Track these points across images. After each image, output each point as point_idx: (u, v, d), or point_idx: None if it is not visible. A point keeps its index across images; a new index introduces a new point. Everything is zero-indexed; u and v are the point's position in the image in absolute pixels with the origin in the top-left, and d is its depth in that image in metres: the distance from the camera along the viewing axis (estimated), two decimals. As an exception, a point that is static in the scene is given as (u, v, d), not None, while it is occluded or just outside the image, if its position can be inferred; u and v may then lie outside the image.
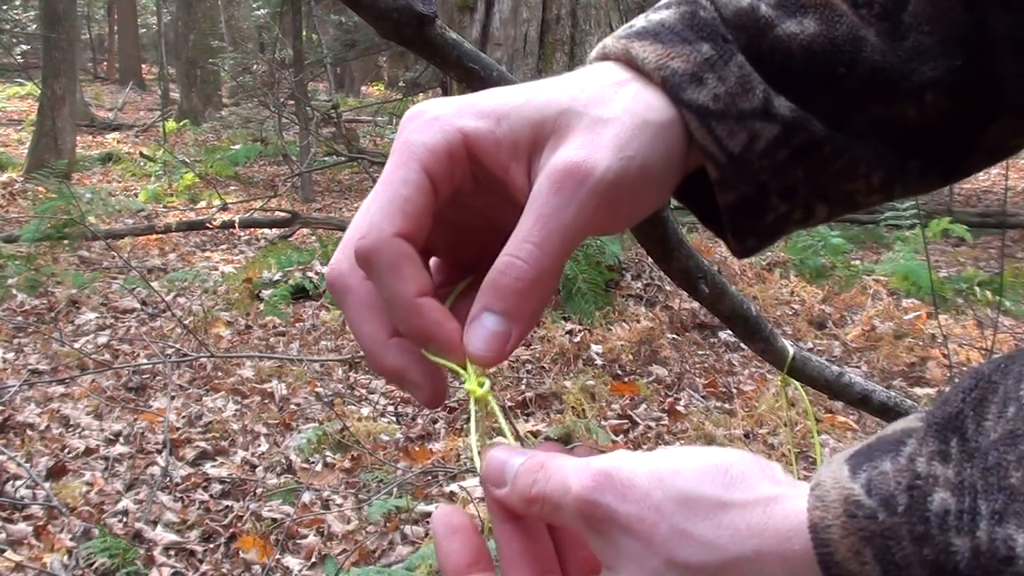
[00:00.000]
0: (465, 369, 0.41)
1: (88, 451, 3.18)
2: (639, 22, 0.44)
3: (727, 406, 3.61)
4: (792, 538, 0.32)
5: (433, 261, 0.46)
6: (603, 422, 3.42)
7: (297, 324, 4.56)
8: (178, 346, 4.16)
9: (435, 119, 0.41)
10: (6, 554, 2.47)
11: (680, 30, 0.42)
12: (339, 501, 2.90)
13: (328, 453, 3.20)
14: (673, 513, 0.34)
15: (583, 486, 0.36)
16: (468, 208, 0.43)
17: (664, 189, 0.42)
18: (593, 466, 0.36)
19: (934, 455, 0.31)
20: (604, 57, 0.44)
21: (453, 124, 0.40)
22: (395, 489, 2.85)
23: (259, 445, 3.30)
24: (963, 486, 0.30)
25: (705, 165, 0.42)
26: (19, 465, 2.95)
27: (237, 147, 11.02)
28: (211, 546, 2.65)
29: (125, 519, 2.75)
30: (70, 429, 3.38)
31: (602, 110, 0.40)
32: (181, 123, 13.92)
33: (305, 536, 2.69)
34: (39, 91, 10.34)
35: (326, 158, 9.71)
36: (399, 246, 0.39)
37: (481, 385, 0.41)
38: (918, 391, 3.71)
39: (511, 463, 0.39)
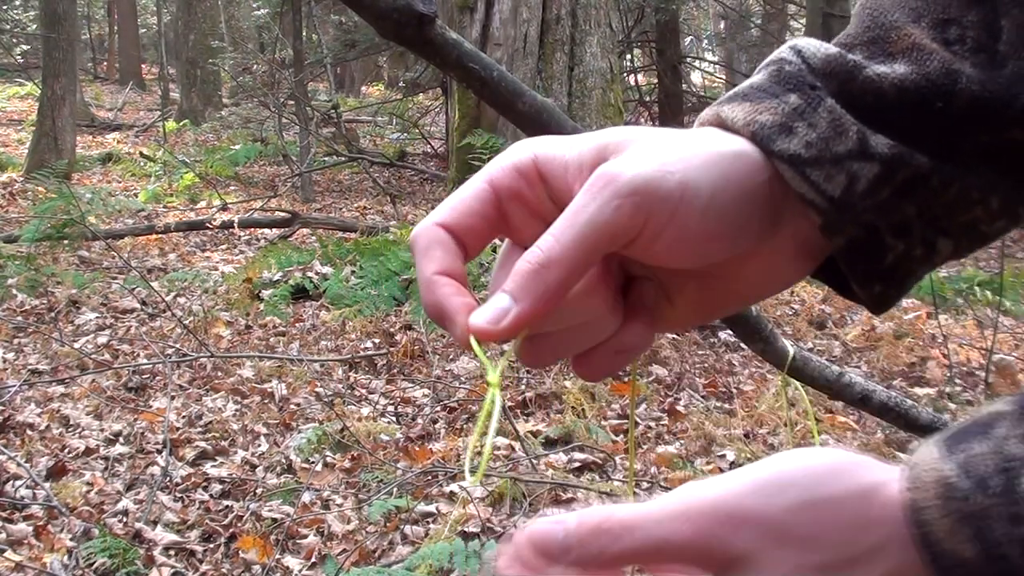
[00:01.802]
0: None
1: (88, 451, 3.18)
2: (731, 91, 0.45)
3: (727, 406, 3.61)
4: (904, 520, 0.34)
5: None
6: (603, 422, 3.42)
7: (297, 324, 4.56)
8: (178, 346, 4.16)
9: (516, 145, 0.44)
10: (6, 554, 2.47)
11: (767, 87, 0.43)
12: (339, 501, 2.90)
13: (328, 453, 3.20)
14: (793, 525, 0.35)
15: (688, 533, 0.36)
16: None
17: (733, 226, 0.41)
18: (682, 509, 0.36)
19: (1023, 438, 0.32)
20: (700, 123, 0.45)
21: (528, 147, 0.44)
22: (395, 489, 2.85)
23: (259, 445, 3.30)
24: None
25: (808, 214, 0.42)
26: (19, 465, 2.95)
27: (237, 147, 11.02)
28: (211, 546, 2.65)
29: (125, 519, 2.75)
30: (70, 429, 3.38)
31: (670, 141, 0.42)
32: (181, 123, 13.92)
33: (305, 536, 2.69)
34: (39, 91, 10.34)
35: (326, 158, 9.71)
36: (434, 232, 0.44)
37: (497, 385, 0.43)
38: (918, 391, 3.71)
39: (552, 539, 0.37)
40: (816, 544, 0.35)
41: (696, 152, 0.41)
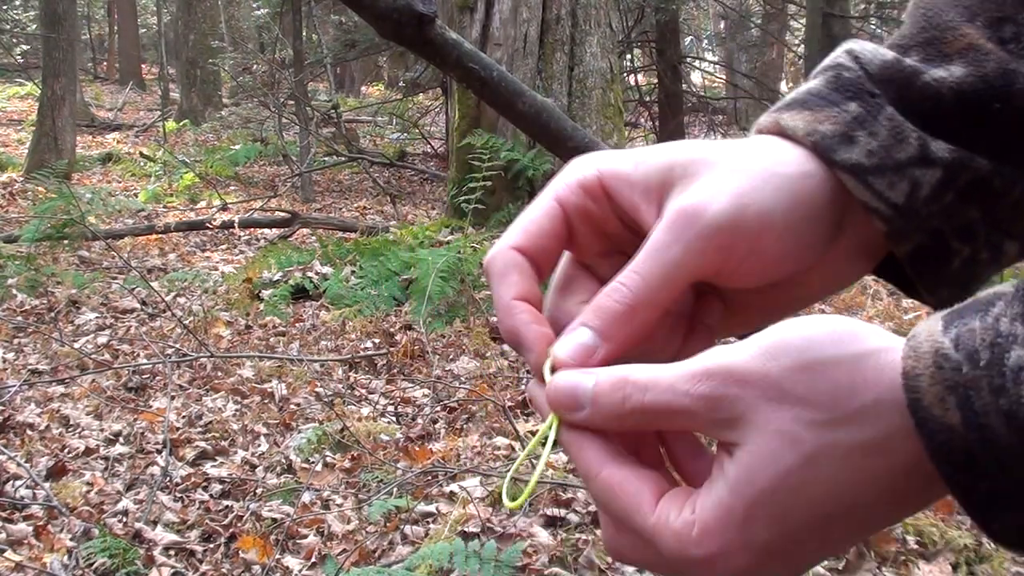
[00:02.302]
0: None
1: (88, 451, 3.18)
2: (789, 96, 0.46)
3: (727, 406, 3.61)
4: (896, 385, 0.35)
5: None
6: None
7: (297, 324, 4.56)
8: (178, 346, 4.16)
9: (580, 161, 0.46)
10: (6, 554, 2.47)
11: (826, 94, 0.44)
12: (339, 501, 2.90)
13: (328, 453, 3.20)
14: (790, 385, 0.37)
15: (699, 388, 0.38)
16: (620, 242, 0.46)
17: (798, 246, 0.43)
18: (697, 367, 0.38)
19: (1017, 316, 0.34)
20: (759, 131, 0.46)
21: (592, 163, 0.45)
22: (395, 489, 2.85)
23: (259, 445, 3.30)
24: None
25: (871, 221, 0.43)
26: (19, 465, 2.95)
27: (237, 147, 11.02)
28: (211, 546, 2.65)
29: (125, 519, 2.75)
30: (70, 429, 3.38)
31: (734, 161, 0.42)
32: (181, 123, 13.92)
33: (305, 536, 2.69)
34: (39, 91, 10.34)
35: (326, 158, 9.71)
36: (510, 256, 0.44)
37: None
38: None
39: (583, 386, 0.40)
40: (810, 403, 0.36)
41: (766, 175, 0.42)
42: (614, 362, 0.41)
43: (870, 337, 0.38)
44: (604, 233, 0.46)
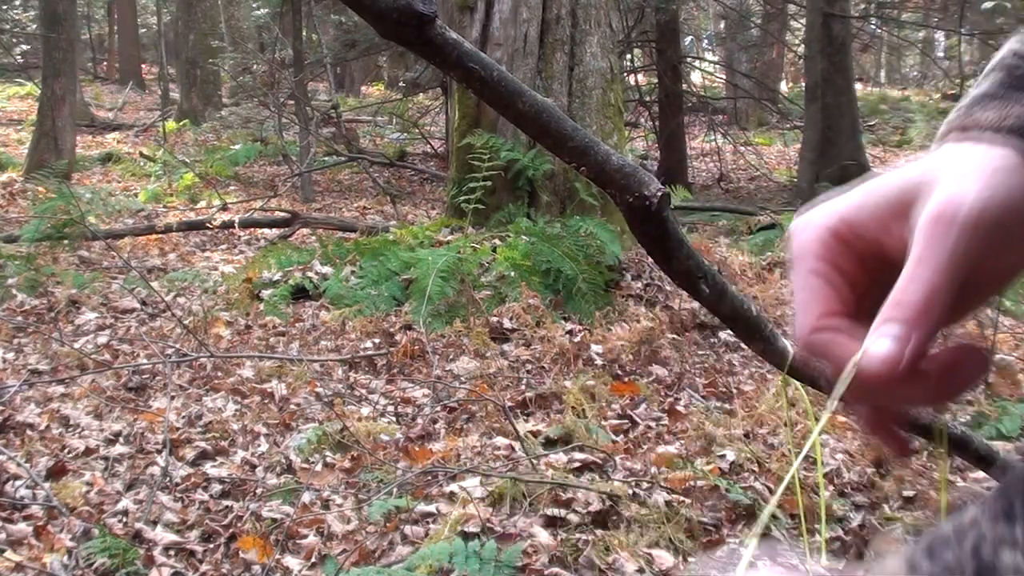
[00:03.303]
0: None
1: (88, 451, 3.18)
2: (962, 102, 0.48)
3: (727, 406, 3.61)
4: None
5: None
6: (603, 422, 3.42)
7: (297, 324, 4.56)
8: (178, 346, 4.16)
9: (810, 221, 0.47)
10: (6, 554, 2.47)
11: (1003, 93, 0.46)
12: (339, 501, 2.90)
13: (328, 453, 3.20)
14: None
15: None
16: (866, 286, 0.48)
17: None
18: None
19: (1002, 542, 0.33)
20: (943, 137, 0.48)
21: (829, 212, 0.47)
22: (395, 489, 2.85)
23: (259, 445, 3.30)
24: None
25: None
26: (19, 465, 2.95)
27: (237, 147, 11.02)
28: (211, 546, 2.65)
29: (125, 519, 2.75)
30: (70, 429, 3.38)
31: (955, 168, 0.44)
32: (181, 123, 13.92)
33: (305, 536, 2.69)
34: (39, 91, 10.34)
35: (326, 158, 9.71)
36: (822, 332, 0.46)
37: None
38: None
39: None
40: None
41: (990, 171, 0.44)
42: (921, 355, 0.43)
43: None
44: (855, 279, 0.47)
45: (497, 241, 5.00)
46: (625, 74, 11.16)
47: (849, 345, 0.44)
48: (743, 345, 3.63)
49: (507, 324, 4.32)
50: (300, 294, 4.95)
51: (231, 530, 2.71)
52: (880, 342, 0.42)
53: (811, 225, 0.47)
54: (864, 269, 0.46)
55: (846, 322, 0.46)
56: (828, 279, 0.46)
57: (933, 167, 0.45)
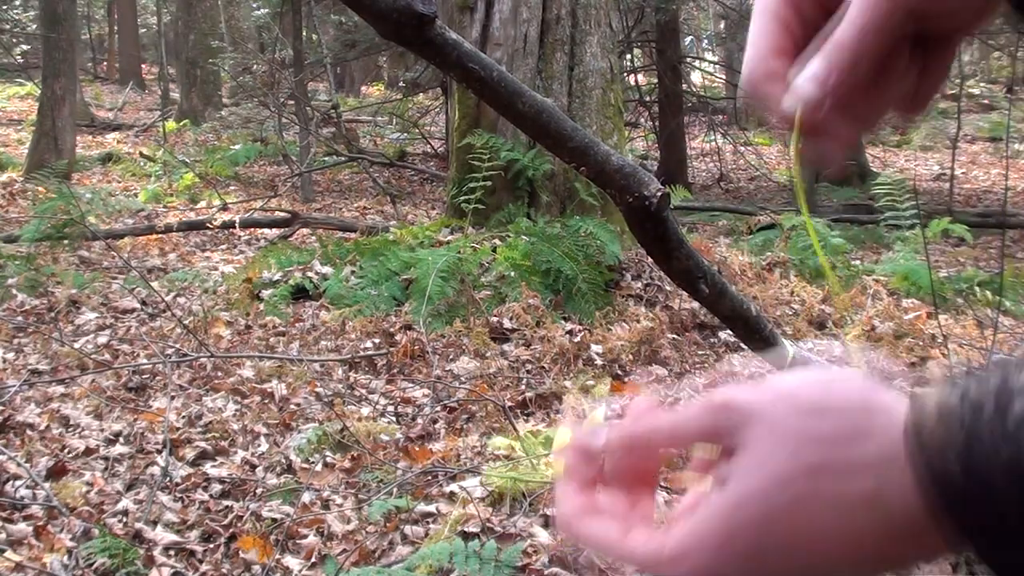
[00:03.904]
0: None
1: (88, 451, 3.18)
2: None
3: (727, 406, 3.61)
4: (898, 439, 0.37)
5: None
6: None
7: (297, 324, 4.56)
8: (178, 346, 4.16)
9: None
10: (6, 554, 2.47)
11: None
12: (339, 501, 2.90)
13: (328, 453, 3.20)
14: (794, 426, 0.39)
15: (713, 414, 0.42)
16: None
17: None
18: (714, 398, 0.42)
19: None
20: None
21: None
22: (395, 489, 2.85)
23: (259, 445, 3.30)
24: None
25: None
26: (19, 465, 2.95)
27: (237, 147, 11.02)
28: (211, 546, 2.65)
29: (125, 519, 2.75)
30: (70, 429, 3.37)
31: None
32: (181, 123, 13.92)
33: (305, 536, 2.69)
34: (39, 91, 10.34)
35: (326, 158, 9.70)
36: (764, 82, 0.48)
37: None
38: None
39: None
40: (814, 445, 0.37)
41: None
42: (843, 89, 0.45)
43: (884, 394, 0.39)
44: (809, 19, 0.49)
45: (497, 241, 4.99)
46: (625, 74, 11.16)
47: (779, 88, 0.47)
48: (743, 345, 3.63)
49: (507, 324, 4.32)
50: (300, 294, 4.95)
51: (231, 530, 2.71)
52: (803, 82, 0.46)
53: None
54: (824, 8, 0.48)
55: (784, 64, 0.48)
56: (781, 15, 0.48)
57: None
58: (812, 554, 0.37)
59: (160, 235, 6.74)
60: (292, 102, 9.46)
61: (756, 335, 1.14)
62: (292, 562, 2.55)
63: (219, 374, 3.91)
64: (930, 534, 0.35)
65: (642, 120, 12.44)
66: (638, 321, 4.33)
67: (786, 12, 0.49)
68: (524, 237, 4.92)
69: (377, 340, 4.28)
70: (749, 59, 0.50)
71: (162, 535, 2.65)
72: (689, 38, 18.18)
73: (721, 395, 0.41)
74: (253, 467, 3.14)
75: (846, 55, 0.45)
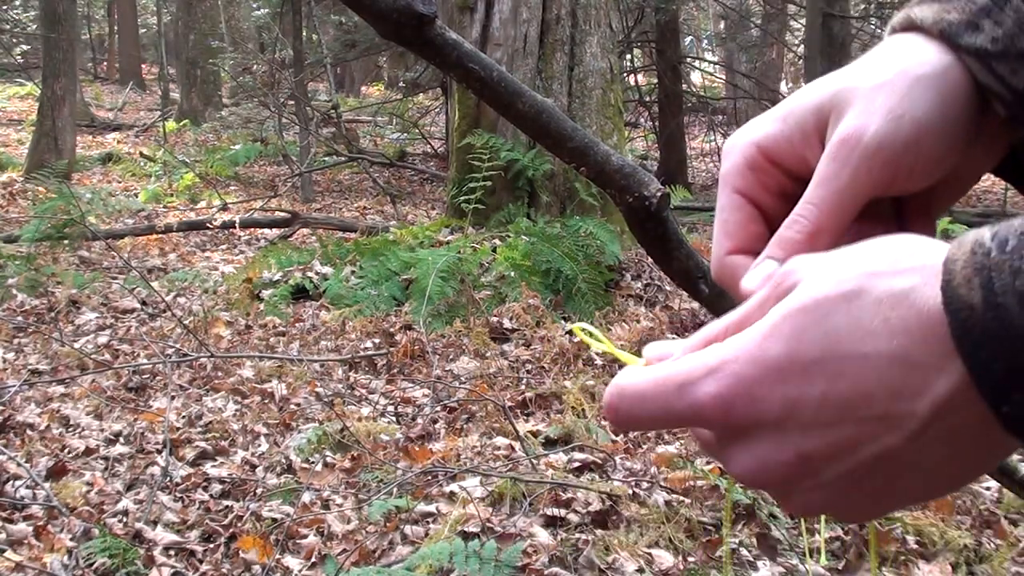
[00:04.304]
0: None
1: (88, 451, 3.18)
2: None
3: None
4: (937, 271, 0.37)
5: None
6: (603, 422, 3.42)
7: (297, 324, 4.56)
8: (178, 346, 4.16)
9: (732, 146, 0.49)
10: (6, 554, 2.47)
11: None
12: (339, 501, 2.90)
13: (328, 453, 3.20)
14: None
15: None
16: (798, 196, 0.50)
17: (952, 139, 0.46)
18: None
19: None
20: (892, 30, 0.49)
21: (745, 141, 0.49)
22: (395, 489, 2.85)
23: (259, 445, 3.30)
24: None
25: (994, 106, 0.45)
26: (19, 465, 2.95)
27: (237, 147, 11.02)
28: (211, 546, 2.65)
29: (125, 519, 2.75)
30: (70, 429, 3.38)
31: (877, 78, 0.45)
32: (181, 123, 13.92)
33: (305, 536, 2.69)
34: (39, 91, 10.34)
35: (326, 158, 9.70)
36: (729, 263, 0.49)
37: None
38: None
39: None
40: (859, 261, 0.38)
41: (910, 82, 0.44)
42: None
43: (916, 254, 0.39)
44: (784, 195, 0.49)
45: (497, 241, 4.99)
46: (625, 74, 11.16)
47: (736, 281, 0.47)
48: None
49: (507, 324, 4.32)
50: (300, 294, 4.95)
51: (231, 530, 2.71)
52: (753, 277, 0.45)
53: (736, 146, 0.49)
54: (788, 180, 0.48)
55: (748, 257, 0.48)
56: (745, 203, 0.49)
57: (856, 78, 0.46)
58: (845, 355, 0.37)
59: (160, 235, 6.74)
60: (292, 102, 9.46)
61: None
62: (292, 562, 2.55)
63: (219, 374, 3.91)
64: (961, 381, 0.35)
65: (642, 120, 12.44)
66: (638, 321, 4.33)
67: (739, 215, 0.49)
68: (524, 237, 4.92)
69: (377, 340, 4.28)
70: (713, 250, 0.50)
71: (162, 535, 2.65)
72: (689, 38, 18.18)
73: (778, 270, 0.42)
74: (253, 467, 3.14)
75: (800, 250, 0.45)
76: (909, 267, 0.37)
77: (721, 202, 0.49)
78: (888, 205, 0.49)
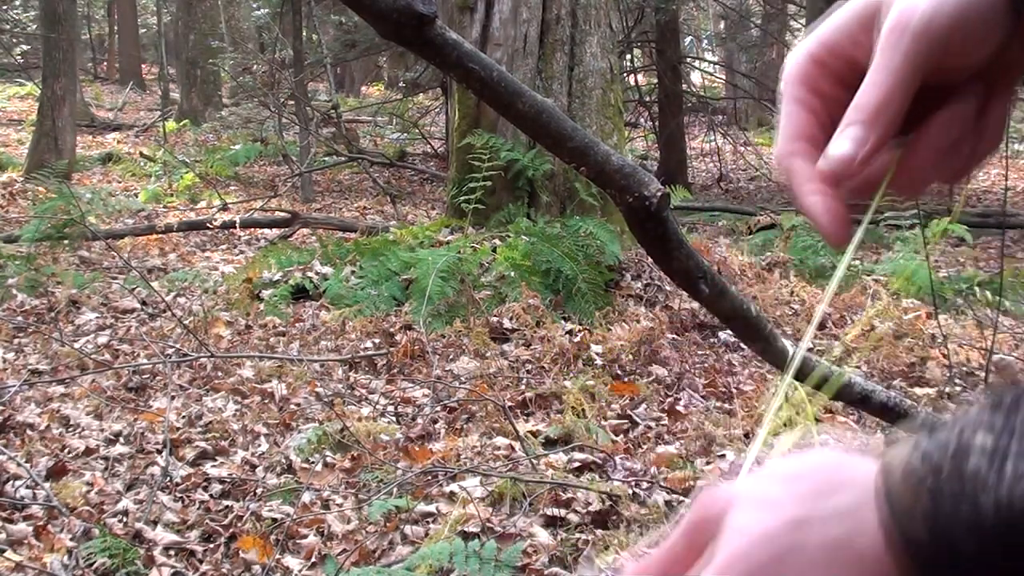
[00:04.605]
0: None
1: (88, 451, 3.18)
2: None
3: (727, 406, 3.61)
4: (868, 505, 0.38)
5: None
6: (603, 422, 3.42)
7: (297, 324, 4.56)
8: (178, 346, 4.16)
9: (796, 51, 0.52)
10: (6, 554, 2.47)
11: None
12: (339, 501, 2.90)
13: (328, 453, 3.20)
14: (772, 492, 0.42)
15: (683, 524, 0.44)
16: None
17: (995, 12, 0.47)
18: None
19: (983, 425, 0.36)
20: None
21: (811, 39, 0.52)
22: (395, 489, 2.85)
23: (259, 445, 3.30)
24: (996, 449, 0.35)
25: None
26: (19, 465, 2.95)
27: (237, 147, 11.02)
28: (211, 546, 2.65)
29: (125, 519, 2.75)
30: (70, 429, 3.38)
31: None
32: (181, 123, 13.92)
33: (305, 536, 2.69)
34: (39, 91, 10.34)
35: (326, 158, 9.70)
36: (797, 148, 0.51)
37: None
38: (918, 391, 3.71)
39: None
40: (794, 502, 0.40)
41: None
42: (876, 149, 0.48)
43: (857, 457, 0.41)
44: (847, 87, 0.51)
45: (497, 241, 4.99)
46: (625, 74, 11.16)
47: (809, 164, 0.50)
48: (743, 345, 3.63)
49: (507, 324, 4.32)
50: (300, 294, 4.95)
51: (231, 530, 2.71)
52: (838, 143, 0.48)
53: (796, 55, 0.52)
54: (843, 85, 0.51)
55: (810, 145, 0.50)
56: (806, 103, 0.51)
57: None
58: None
59: (160, 235, 6.74)
60: (292, 102, 9.46)
61: (756, 335, 1.14)
62: (292, 562, 2.55)
63: (219, 374, 3.91)
64: None
65: (642, 120, 12.44)
66: (638, 321, 4.33)
67: (806, 96, 0.51)
68: (524, 237, 4.92)
69: (377, 340, 4.28)
70: (776, 144, 0.53)
71: (162, 535, 2.65)
72: (689, 38, 18.18)
73: (702, 495, 0.44)
74: (253, 467, 3.14)
75: (873, 115, 0.47)
76: (834, 508, 0.39)
77: (783, 108, 0.52)
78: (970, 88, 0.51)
